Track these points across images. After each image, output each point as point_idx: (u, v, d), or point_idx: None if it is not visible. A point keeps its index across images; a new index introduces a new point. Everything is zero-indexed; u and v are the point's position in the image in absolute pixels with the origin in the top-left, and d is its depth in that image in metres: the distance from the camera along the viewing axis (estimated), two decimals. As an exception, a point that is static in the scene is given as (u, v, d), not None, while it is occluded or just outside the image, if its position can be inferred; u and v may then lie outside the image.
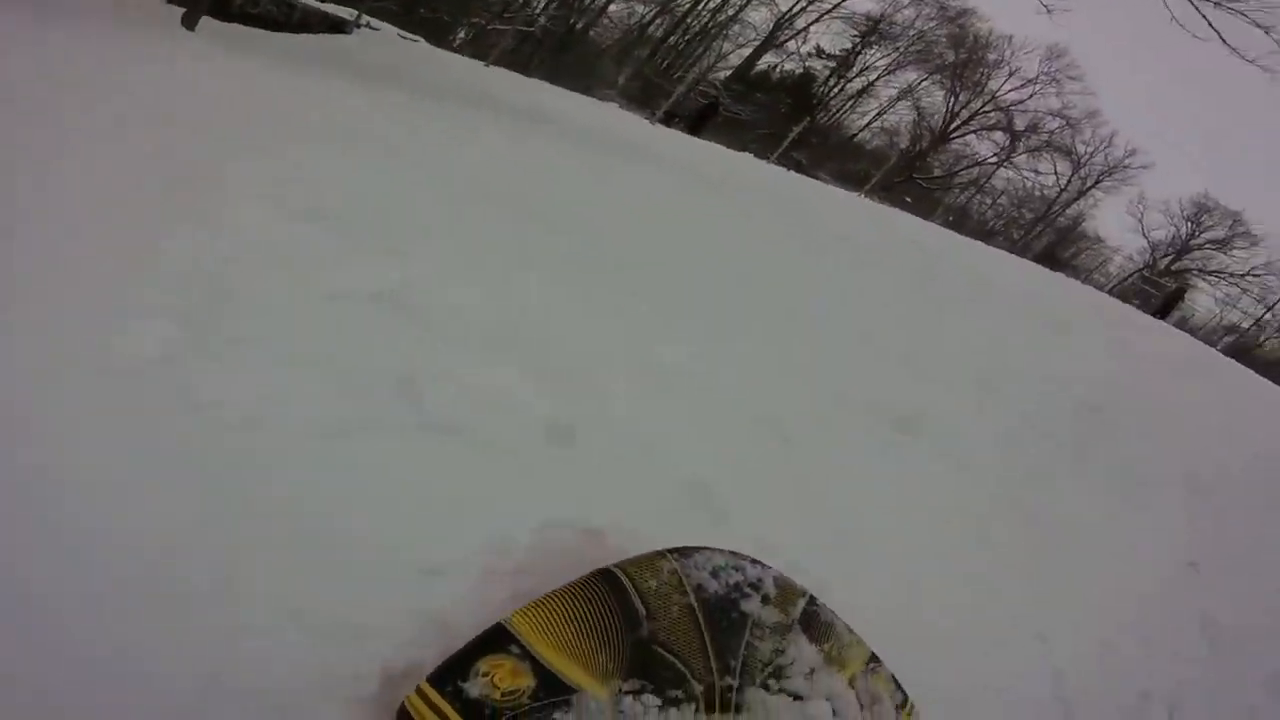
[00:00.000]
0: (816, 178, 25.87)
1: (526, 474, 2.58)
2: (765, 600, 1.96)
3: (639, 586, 1.87)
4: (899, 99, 45.28)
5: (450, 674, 1.63)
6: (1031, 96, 44.97)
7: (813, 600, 2.06)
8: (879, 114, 45.61)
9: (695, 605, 1.88)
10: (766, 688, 1.80)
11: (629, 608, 1.83)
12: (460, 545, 2.12)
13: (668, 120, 24.37)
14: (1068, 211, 47.82)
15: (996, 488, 4.50)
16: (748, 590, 1.96)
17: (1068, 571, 4.05)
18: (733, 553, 2.05)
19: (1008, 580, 3.61)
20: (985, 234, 38.21)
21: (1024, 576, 3.75)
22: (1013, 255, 22.50)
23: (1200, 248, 47.08)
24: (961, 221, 37.77)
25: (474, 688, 1.60)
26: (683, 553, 1.99)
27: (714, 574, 1.96)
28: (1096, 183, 47.07)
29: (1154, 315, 24.39)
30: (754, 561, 2.05)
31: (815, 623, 2.00)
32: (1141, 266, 46.03)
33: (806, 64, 43.83)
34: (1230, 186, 54.21)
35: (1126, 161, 46.09)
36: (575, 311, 4.13)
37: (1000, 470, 4.80)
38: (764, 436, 3.68)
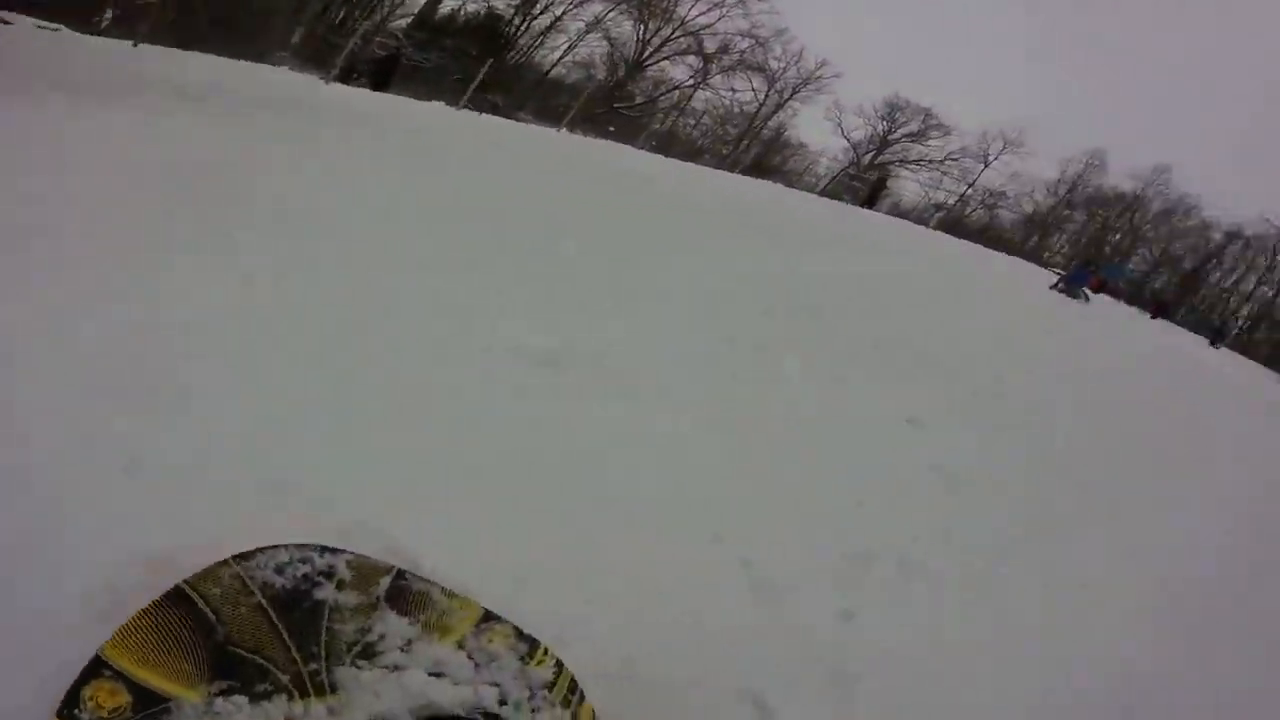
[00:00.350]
0: (517, 118, 25.57)
1: (105, 511, 2.33)
2: (340, 585, 2.07)
3: (205, 596, 1.99)
4: (588, 31, 46.10)
5: (67, 707, 1.76)
6: (720, 19, 47.23)
7: (401, 574, 2.14)
8: (570, 48, 46.28)
9: (264, 603, 1.99)
10: (358, 666, 1.92)
11: (200, 617, 1.96)
12: (59, 597, 2.03)
13: (345, 78, 23.16)
14: (770, 124, 51.10)
15: (664, 405, 4.32)
16: (319, 579, 2.06)
17: (752, 465, 3.99)
18: (299, 545, 2.13)
19: (678, 495, 3.45)
20: (694, 153, 39.52)
21: (704, 486, 3.62)
22: (719, 170, 23.07)
23: (898, 141, 51.98)
24: (668, 145, 38.73)
25: (85, 713, 1.76)
26: (244, 557, 2.08)
27: (279, 570, 2.06)
28: (792, 95, 50.55)
29: (863, 205, 25.92)
30: (324, 550, 2.13)
31: (406, 596, 2.10)
32: (847, 164, 49.79)
33: (490, 4, 43.46)
34: (919, 86, 59.87)
35: (818, 73, 49.79)
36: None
37: (672, 385, 4.67)
38: (381, 410, 3.28)
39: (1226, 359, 25.13)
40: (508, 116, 24.20)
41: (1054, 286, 19.79)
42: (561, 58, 46.25)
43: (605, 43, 46.54)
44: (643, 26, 46.61)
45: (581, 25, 45.61)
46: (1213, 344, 28.47)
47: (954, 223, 45.41)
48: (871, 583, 3.34)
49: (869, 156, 50.74)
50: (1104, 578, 4.17)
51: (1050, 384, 7.94)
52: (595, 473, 3.36)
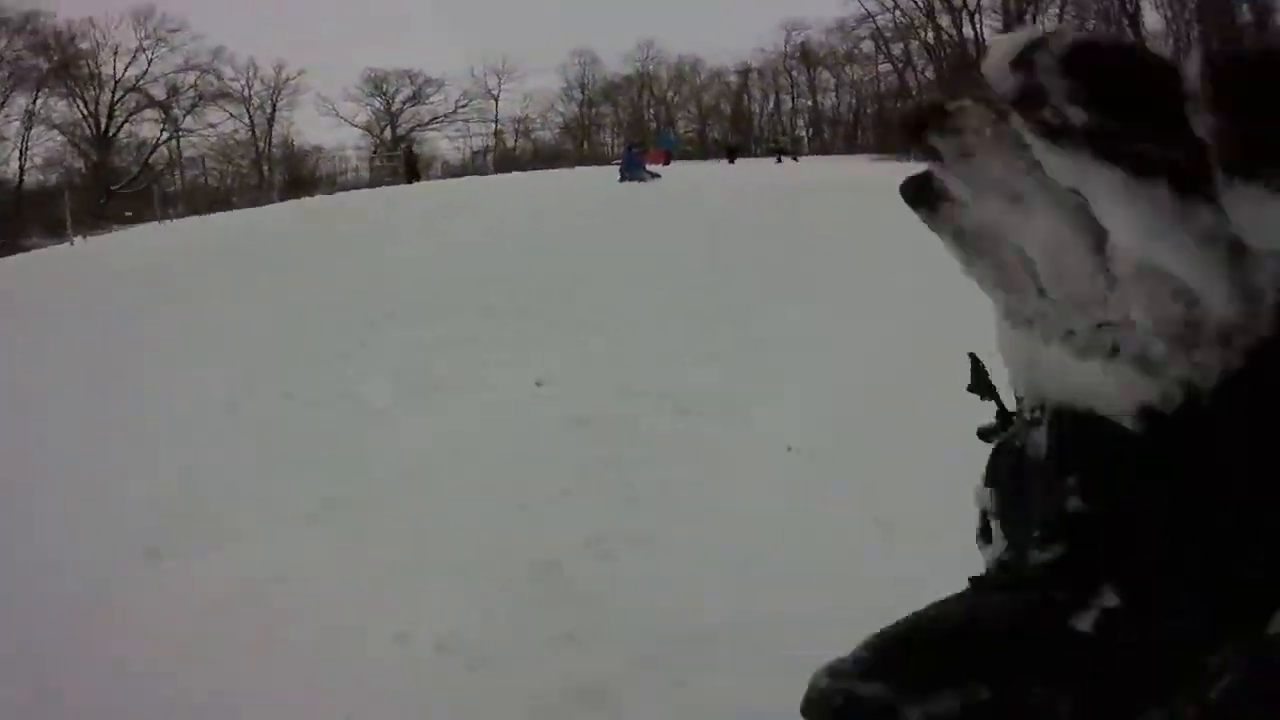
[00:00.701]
0: (23, 248, 23.00)
1: None
2: None
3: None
4: (28, 129, 42.18)
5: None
6: (151, 64, 44.86)
7: None
8: (21, 152, 42.16)
9: None
10: None
11: None
12: None
13: None
14: (274, 140, 49.46)
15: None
16: None
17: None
18: None
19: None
20: (225, 200, 37.52)
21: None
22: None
23: (403, 110, 51.89)
24: (199, 198, 36.45)
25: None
26: None
27: None
28: (274, 106, 49.03)
29: (408, 181, 25.42)
30: None
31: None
32: (374, 150, 48.78)
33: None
34: (396, 52, 60.41)
35: (283, 75, 48.44)
36: None
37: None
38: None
39: (798, 165, 28.31)
40: (9, 252, 21.55)
41: (621, 180, 20.24)
42: (22, 165, 42.11)
43: (54, 131, 42.88)
44: (79, 100, 43.38)
45: (18, 126, 41.72)
46: (779, 161, 30.87)
47: (506, 159, 46.13)
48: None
49: (386, 133, 50.72)
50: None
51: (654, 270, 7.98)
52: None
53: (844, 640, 2.06)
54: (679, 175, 22.20)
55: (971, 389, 1.71)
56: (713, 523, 3.53)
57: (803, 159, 34.07)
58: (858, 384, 4.98)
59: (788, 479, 3.97)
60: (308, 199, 21.50)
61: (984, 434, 1.57)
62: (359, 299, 7.20)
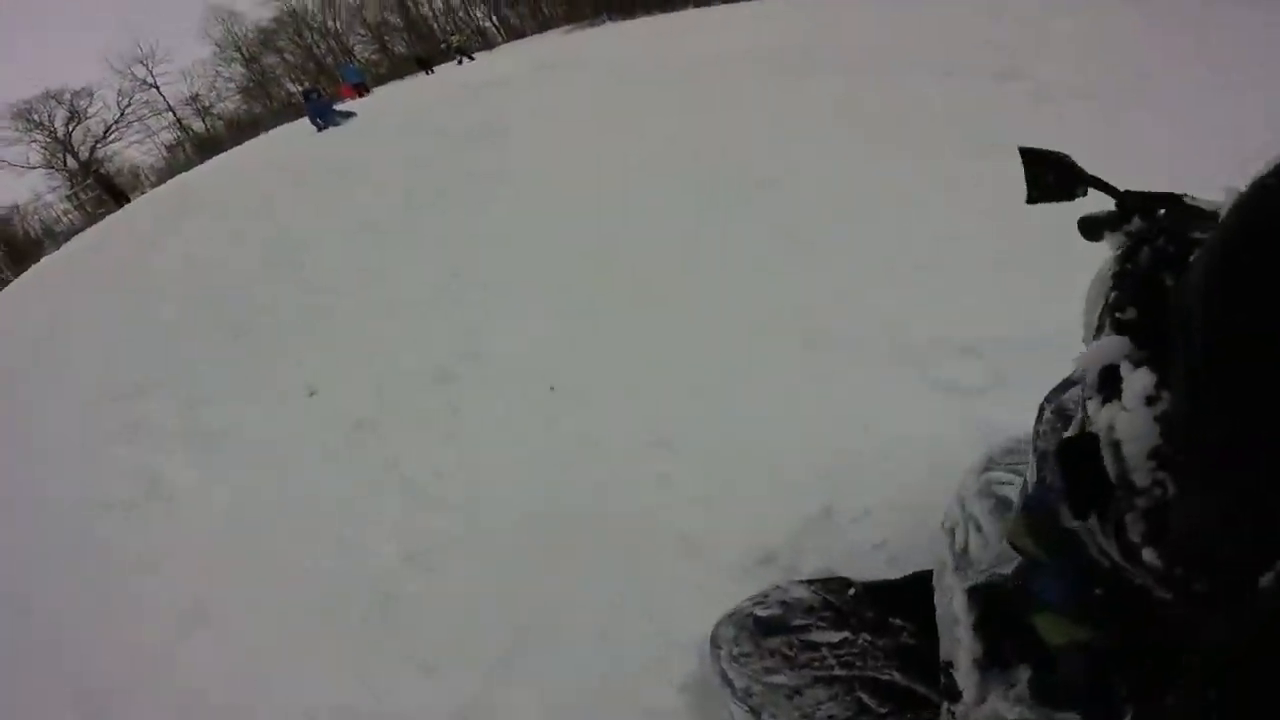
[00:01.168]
0: None
1: None
2: None
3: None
4: None
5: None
6: None
7: None
8: None
9: None
10: None
11: None
12: None
13: None
14: None
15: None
16: None
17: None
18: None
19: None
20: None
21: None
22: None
23: (71, 132, 47.44)
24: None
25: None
26: None
27: None
28: None
29: (118, 206, 23.78)
30: None
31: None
32: (70, 186, 44.78)
33: None
34: (39, 76, 55.51)
35: None
36: None
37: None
38: None
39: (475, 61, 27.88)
40: None
41: (320, 130, 19.42)
42: None
43: None
44: None
45: None
46: (460, 63, 30.29)
47: (206, 145, 43.48)
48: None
49: (71, 163, 46.47)
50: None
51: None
52: None
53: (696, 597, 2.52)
54: (377, 103, 21.42)
55: (1043, 195, 1.23)
56: (498, 506, 3.43)
57: (500, 48, 33.21)
58: (591, 298, 5.02)
59: (548, 417, 3.91)
60: (35, 265, 19.81)
61: (1092, 226, 1.21)
62: (120, 371, 6.68)
